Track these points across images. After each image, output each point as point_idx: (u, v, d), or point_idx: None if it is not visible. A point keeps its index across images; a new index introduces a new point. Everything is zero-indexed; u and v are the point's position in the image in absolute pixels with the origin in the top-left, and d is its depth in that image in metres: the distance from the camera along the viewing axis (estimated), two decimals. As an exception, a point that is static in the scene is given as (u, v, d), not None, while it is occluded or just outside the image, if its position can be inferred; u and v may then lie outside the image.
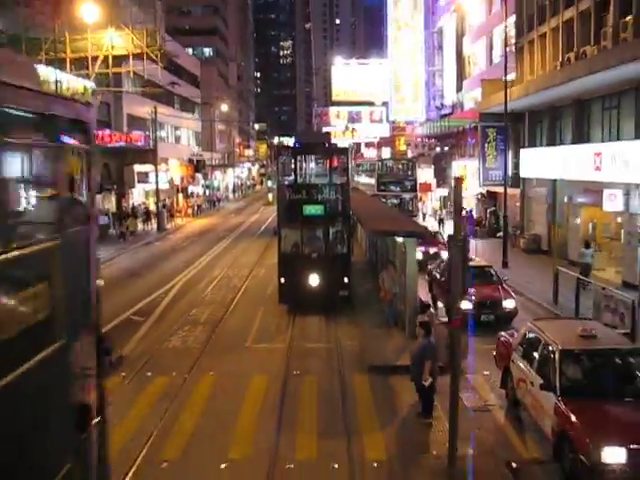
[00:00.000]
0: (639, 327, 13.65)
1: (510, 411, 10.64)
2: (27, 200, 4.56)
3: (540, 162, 26.89)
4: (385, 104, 57.84)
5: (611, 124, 22.23)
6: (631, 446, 7.70)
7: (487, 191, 34.80)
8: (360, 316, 16.65)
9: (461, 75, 43.56)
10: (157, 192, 39.35)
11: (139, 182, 41.48)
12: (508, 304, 16.10)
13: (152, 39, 25.79)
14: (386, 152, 60.06)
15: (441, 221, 36.32)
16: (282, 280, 17.44)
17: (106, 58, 25.70)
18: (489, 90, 30.82)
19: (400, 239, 14.69)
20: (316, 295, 17.15)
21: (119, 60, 26.09)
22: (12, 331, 3.87)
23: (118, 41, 25.87)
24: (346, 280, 17.30)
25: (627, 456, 7.69)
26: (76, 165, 5.01)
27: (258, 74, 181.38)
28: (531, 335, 10.44)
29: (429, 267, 19.51)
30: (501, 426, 10.31)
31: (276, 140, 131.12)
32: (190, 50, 77.31)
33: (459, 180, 9.24)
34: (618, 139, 21.36)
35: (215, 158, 68.06)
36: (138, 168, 40.40)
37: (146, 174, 42.25)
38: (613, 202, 20.47)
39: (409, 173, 39.88)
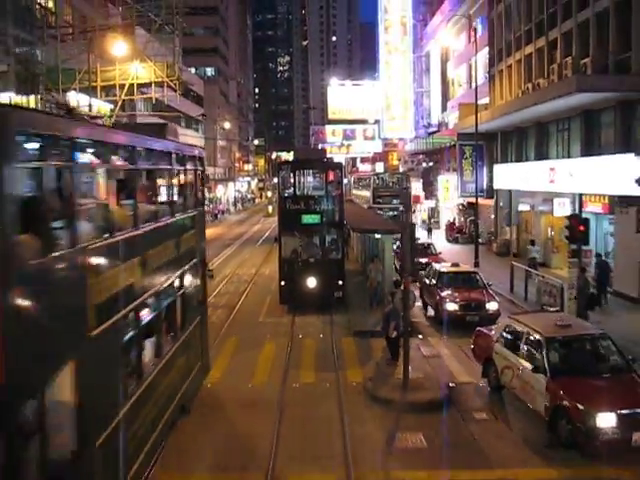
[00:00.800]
0: (566, 304, 17.80)
1: (494, 394, 12.42)
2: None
3: (509, 176, 31.18)
4: (377, 122, 62.27)
5: (563, 144, 26.55)
6: (619, 411, 9.26)
7: (467, 202, 38.98)
8: (349, 300, 20.74)
9: (446, 96, 47.99)
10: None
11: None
12: (491, 306, 17.59)
13: (171, 70, 30.15)
14: (380, 167, 64.15)
15: (429, 230, 40.34)
16: (282, 283, 19.86)
17: (131, 86, 30.02)
18: (465, 112, 35.17)
19: (378, 235, 18.86)
20: (313, 296, 19.50)
21: (142, 87, 30.36)
22: (181, 250, 8.78)
23: (142, 71, 30.21)
24: (340, 283, 19.88)
25: (617, 420, 9.24)
26: (199, 179, 9.56)
27: (256, 89, 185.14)
28: (513, 328, 11.95)
29: (420, 274, 20.67)
30: (448, 366, 14.44)
31: (274, 155, 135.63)
32: (193, 69, 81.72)
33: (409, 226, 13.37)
34: (569, 156, 25.64)
35: (217, 173, 72.25)
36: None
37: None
38: (562, 209, 24.74)
39: (402, 186, 42.86)
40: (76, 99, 26.94)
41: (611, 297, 20.43)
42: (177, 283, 9.36)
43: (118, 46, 28.78)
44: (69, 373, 5.64)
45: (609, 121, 21.80)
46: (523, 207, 30.79)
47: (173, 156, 9.59)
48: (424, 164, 47.37)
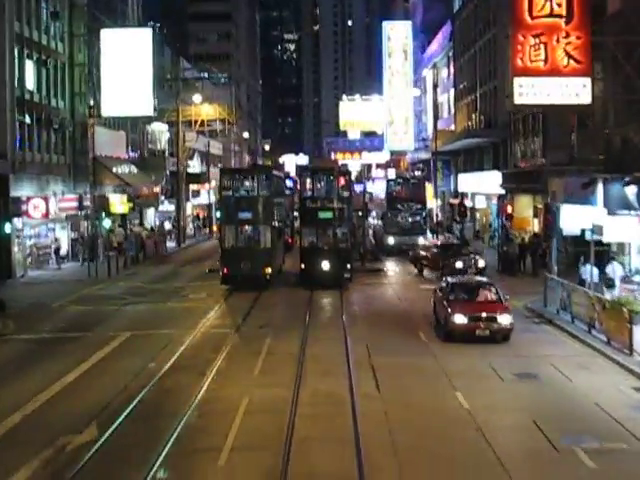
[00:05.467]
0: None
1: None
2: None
3: (466, 182, 58.08)
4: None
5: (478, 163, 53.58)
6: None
7: (449, 203, 65.77)
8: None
9: (437, 116, 75.07)
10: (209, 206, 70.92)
11: (193, 197, 72.73)
12: (503, 319, 21.36)
13: (230, 110, 57.77)
14: (391, 173, 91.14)
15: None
16: (302, 266, 33.78)
17: (202, 121, 57.68)
18: (440, 136, 62.20)
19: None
20: (328, 276, 33.05)
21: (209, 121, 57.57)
22: (280, 219, 39.03)
23: (209, 110, 57.86)
24: (349, 266, 33.51)
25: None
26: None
27: (260, 81, 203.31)
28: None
29: (435, 287, 26.23)
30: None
31: (281, 160, 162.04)
32: (206, 74, 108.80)
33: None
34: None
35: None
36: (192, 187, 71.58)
37: (198, 192, 73.64)
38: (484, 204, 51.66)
39: (418, 192, 53.46)
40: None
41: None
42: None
43: (196, 97, 56.52)
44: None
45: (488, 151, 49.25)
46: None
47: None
48: (418, 172, 74.57)
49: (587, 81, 25.86)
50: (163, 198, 59.55)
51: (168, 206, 60.28)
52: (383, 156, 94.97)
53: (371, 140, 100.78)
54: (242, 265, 32.41)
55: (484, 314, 21.65)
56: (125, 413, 15.70)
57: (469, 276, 28.52)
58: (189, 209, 73.08)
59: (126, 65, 46.11)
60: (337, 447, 13.68)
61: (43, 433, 14.58)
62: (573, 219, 26.40)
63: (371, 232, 52.75)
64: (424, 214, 52.11)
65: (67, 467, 12.76)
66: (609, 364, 19.91)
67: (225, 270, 32.69)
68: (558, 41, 25.51)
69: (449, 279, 24.64)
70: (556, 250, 29.38)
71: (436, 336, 23.18)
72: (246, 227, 33.80)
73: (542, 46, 25.43)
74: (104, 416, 15.54)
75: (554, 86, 25.53)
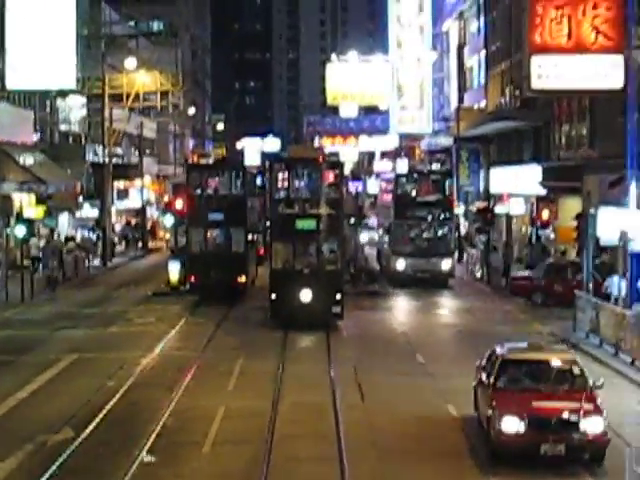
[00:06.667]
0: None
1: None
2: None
3: (499, 179, 66.05)
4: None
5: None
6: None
7: (477, 208, 73.48)
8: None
9: (464, 87, 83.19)
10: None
11: (118, 199, 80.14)
12: (590, 426, 19.72)
13: (174, 79, 65.63)
14: (402, 164, 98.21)
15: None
16: (273, 296, 36.39)
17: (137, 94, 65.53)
18: (465, 115, 70.25)
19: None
20: (308, 311, 35.81)
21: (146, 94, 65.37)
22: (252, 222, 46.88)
23: (147, 80, 65.69)
24: (339, 297, 36.28)
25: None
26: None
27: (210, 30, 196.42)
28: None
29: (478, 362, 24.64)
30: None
31: (239, 145, 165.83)
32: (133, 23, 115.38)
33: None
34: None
35: (178, 173, 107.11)
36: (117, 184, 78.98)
37: (126, 191, 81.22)
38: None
39: (440, 192, 54.80)
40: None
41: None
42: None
43: (130, 62, 64.48)
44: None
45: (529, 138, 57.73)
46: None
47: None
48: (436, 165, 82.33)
49: (619, 60, 33.82)
50: (81, 199, 66.79)
51: (89, 210, 67.52)
52: (389, 141, 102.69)
53: (371, 119, 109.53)
54: (212, 273, 40.42)
55: (557, 416, 20.09)
56: (97, 419, 23.30)
57: (534, 342, 27.08)
58: (113, 215, 79.34)
59: (39, 21, 53.48)
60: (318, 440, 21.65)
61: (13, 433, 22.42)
62: (609, 225, 34.03)
63: (373, 252, 58.40)
64: (451, 226, 54.32)
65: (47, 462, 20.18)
66: (626, 383, 27.67)
67: (193, 278, 39.99)
68: (585, 13, 33.45)
69: (498, 349, 23.12)
70: (590, 264, 36.98)
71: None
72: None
73: (565, 19, 33.40)
74: (74, 422, 23.16)
75: (579, 66, 33.51)
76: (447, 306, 45.37)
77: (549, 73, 33.89)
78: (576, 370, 21.67)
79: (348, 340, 35.09)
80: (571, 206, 48.55)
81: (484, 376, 22.46)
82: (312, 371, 29.40)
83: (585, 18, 33.61)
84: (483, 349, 34.95)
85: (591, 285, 36.34)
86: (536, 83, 34.24)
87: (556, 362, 22.11)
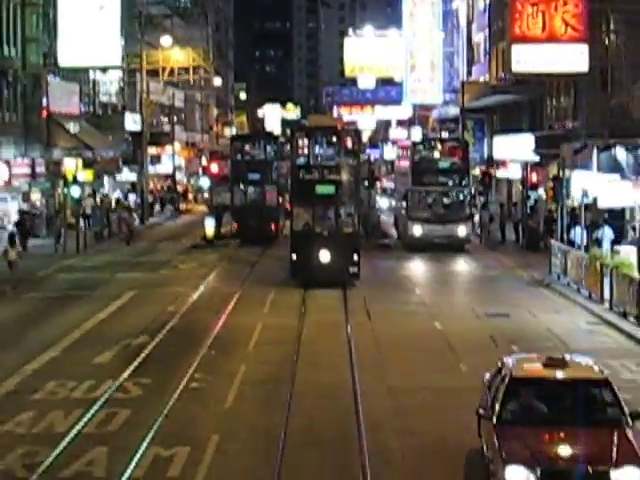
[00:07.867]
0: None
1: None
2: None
3: (501, 146, 73.06)
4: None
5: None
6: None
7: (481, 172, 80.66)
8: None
9: (472, 61, 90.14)
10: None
11: (151, 164, 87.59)
12: (622, 477, 14.99)
13: (206, 55, 72.75)
14: (416, 133, 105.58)
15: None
16: (293, 256, 39.82)
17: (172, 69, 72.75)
18: (470, 88, 77.22)
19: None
20: (326, 271, 39.25)
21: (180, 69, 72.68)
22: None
23: (180, 56, 72.87)
24: (356, 258, 39.46)
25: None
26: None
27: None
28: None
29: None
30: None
31: (260, 113, 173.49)
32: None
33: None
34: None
35: (205, 140, 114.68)
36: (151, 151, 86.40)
37: (158, 157, 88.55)
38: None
39: (457, 159, 56.99)
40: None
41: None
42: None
43: (165, 39, 71.70)
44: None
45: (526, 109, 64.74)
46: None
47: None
48: (446, 133, 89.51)
49: (584, 48, 40.91)
50: (121, 164, 74.40)
51: (128, 174, 75.13)
52: (403, 111, 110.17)
53: (387, 90, 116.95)
54: (250, 221, 52.48)
55: (579, 466, 15.19)
56: (165, 330, 30.88)
57: (553, 356, 18.00)
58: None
59: (89, 5, 61.04)
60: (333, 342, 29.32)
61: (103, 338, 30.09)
62: (578, 186, 41.24)
63: (390, 219, 64.96)
64: (467, 192, 55.73)
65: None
66: (580, 310, 35.00)
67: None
68: (556, 9, 40.57)
69: (507, 362, 18.08)
70: (564, 218, 44.09)
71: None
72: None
73: (540, 14, 40.48)
74: (148, 332, 30.69)
75: (551, 54, 40.63)
76: (447, 256, 51.31)
77: (527, 59, 41.16)
78: (607, 396, 16.81)
79: (361, 280, 41.24)
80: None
81: (488, 398, 17.60)
82: (330, 301, 36.91)
83: (557, 13, 40.80)
84: (470, 286, 43.40)
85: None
86: (516, 67, 41.88)
87: (582, 384, 16.90)
